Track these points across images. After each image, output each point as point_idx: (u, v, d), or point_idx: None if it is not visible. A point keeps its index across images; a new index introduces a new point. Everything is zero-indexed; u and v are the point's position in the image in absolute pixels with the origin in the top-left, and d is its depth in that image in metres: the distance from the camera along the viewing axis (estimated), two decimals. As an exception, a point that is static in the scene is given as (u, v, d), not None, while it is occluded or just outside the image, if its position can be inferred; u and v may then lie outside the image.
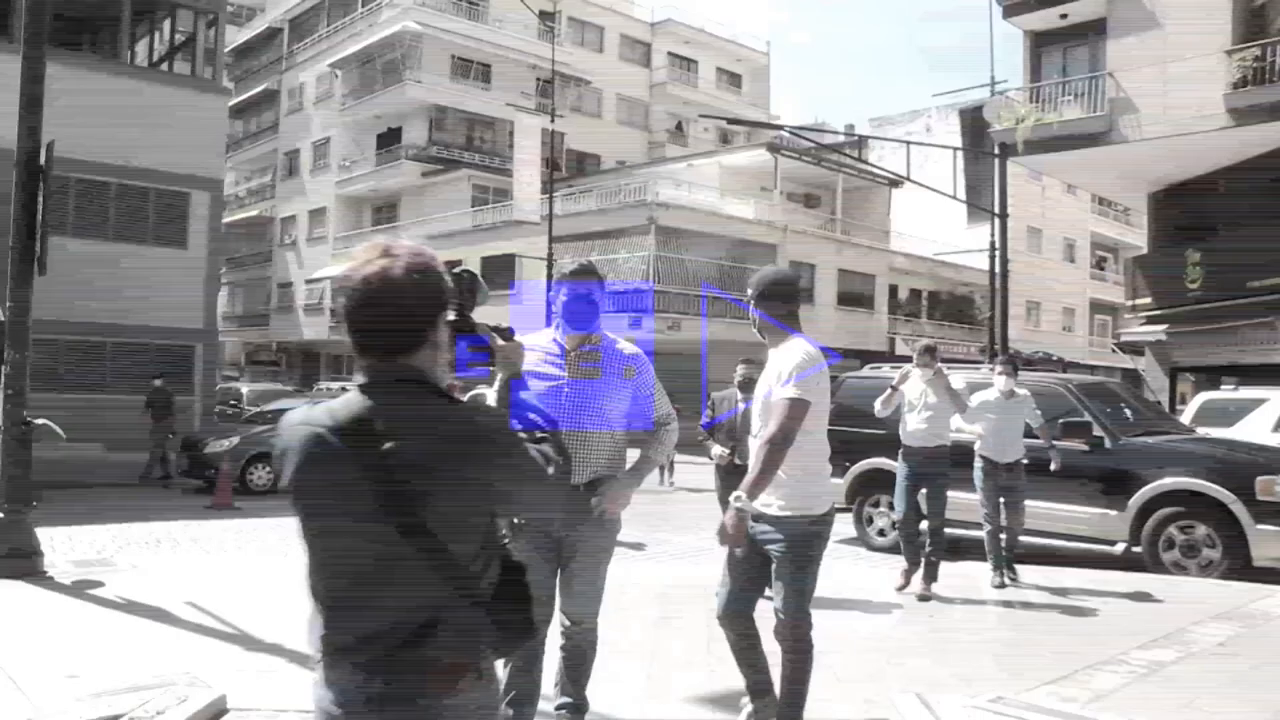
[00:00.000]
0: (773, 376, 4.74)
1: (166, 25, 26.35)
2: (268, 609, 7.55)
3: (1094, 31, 22.91)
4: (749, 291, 4.86)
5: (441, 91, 44.26)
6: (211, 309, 23.87)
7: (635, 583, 8.86)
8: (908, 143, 24.66)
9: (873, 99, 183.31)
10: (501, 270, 36.28)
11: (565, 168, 45.34)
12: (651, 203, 32.96)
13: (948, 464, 9.12)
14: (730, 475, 8.32)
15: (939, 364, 9.20)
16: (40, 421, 10.07)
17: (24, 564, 9.08)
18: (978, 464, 9.57)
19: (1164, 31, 21.25)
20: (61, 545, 10.97)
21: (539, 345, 4.45)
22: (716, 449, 9.08)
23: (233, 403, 27.65)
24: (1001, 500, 9.46)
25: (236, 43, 55.79)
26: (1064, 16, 23.30)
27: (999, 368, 9.75)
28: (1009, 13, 24.07)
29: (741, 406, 8.79)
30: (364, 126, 46.72)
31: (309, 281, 47.49)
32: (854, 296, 38.41)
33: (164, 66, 26.10)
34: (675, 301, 32.41)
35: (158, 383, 19.60)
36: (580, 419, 4.35)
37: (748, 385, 8.50)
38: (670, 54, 52.95)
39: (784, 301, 4.92)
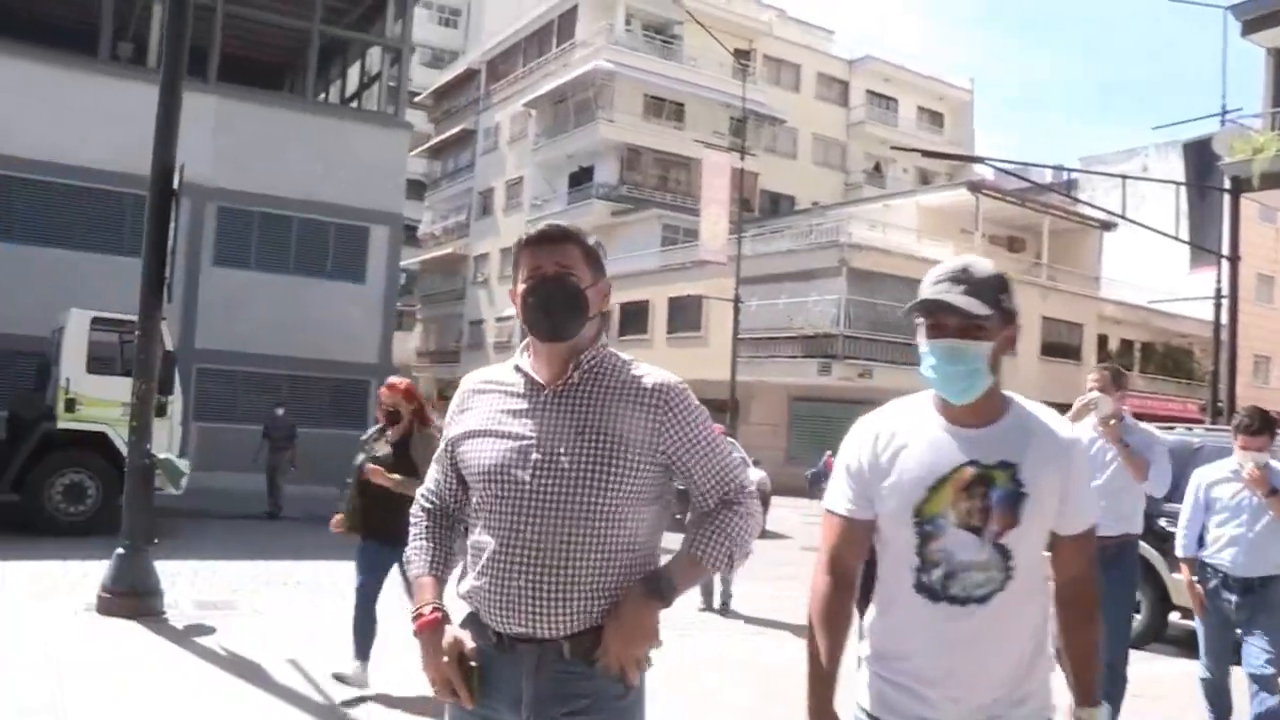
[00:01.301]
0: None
1: (358, 66, 26.69)
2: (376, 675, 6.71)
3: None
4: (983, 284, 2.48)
5: (633, 131, 43.99)
6: (387, 344, 23.66)
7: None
8: (1124, 177, 22.73)
9: (1083, 139, 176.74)
10: (687, 312, 35.49)
11: (758, 208, 44.45)
12: (844, 244, 31.75)
13: (1133, 564, 6.39)
14: None
15: (1117, 398, 6.28)
16: (164, 456, 9.59)
17: (141, 604, 8.61)
18: (1197, 578, 6.20)
19: None
20: (190, 581, 10.42)
21: (491, 380, 2.65)
22: None
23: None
24: (1242, 640, 5.93)
25: (437, 84, 57.02)
26: (1322, 28, 21.11)
27: (1241, 433, 5.97)
28: (1249, 29, 21.98)
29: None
30: (556, 166, 46.83)
31: (499, 319, 47.72)
32: (1059, 347, 36.20)
33: (354, 104, 26.37)
34: (866, 348, 31.02)
35: (279, 411, 18.52)
36: (560, 514, 2.41)
37: None
38: (869, 92, 51.62)
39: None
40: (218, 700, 6.41)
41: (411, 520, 2.72)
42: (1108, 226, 35.89)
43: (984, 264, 2.56)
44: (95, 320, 14.65)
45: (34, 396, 15.11)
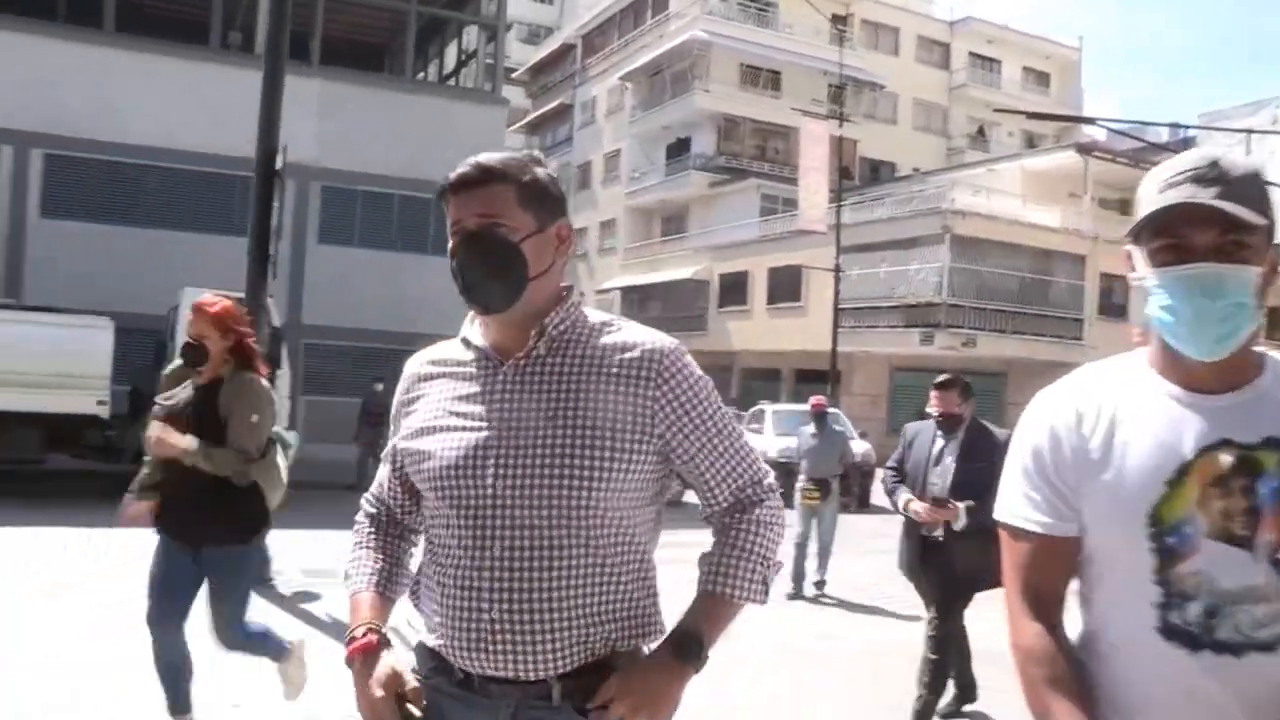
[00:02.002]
0: None
1: (455, 44, 27.07)
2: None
3: None
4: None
5: (730, 100, 43.83)
6: (487, 318, 24.07)
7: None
8: (1248, 131, 22.05)
9: (1202, 95, 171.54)
10: (787, 282, 35.35)
11: (858, 176, 44.03)
12: (946, 210, 31.23)
13: None
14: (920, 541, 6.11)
15: None
16: (278, 430, 9.86)
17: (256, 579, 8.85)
18: None
19: None
20: (296, 551, 10.75)
21: (438, 361, 2.15)
22: (906, 497, 6.12)
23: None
24: None
25: (532, 60, 57.42)
26: None
27: None
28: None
29: (936, 448, 6.15)
30: (653, 138, 46.89)
31: (599, 292, 48.07)
32: (1172, 312, 35.30)
33: (451, 82, 26.77)
34: (971, 316, 30.59)
35: (379, 387, 17.90)
36: (536, 524, 1.94)
37: (950, 424, 6.14)
38: (971, 54, 50.68)
39: None
40: (323, 663, 6.63)
41: (354, 526, 2.28)
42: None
43: (1238, 158, 1.76)
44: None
45: (154, 372, 15.65)
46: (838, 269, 28.76)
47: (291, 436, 10.62)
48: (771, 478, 2.17)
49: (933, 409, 6.17)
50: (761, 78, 44.60)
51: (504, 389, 2.00)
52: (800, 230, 33.71)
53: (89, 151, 20.58)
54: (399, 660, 2.01)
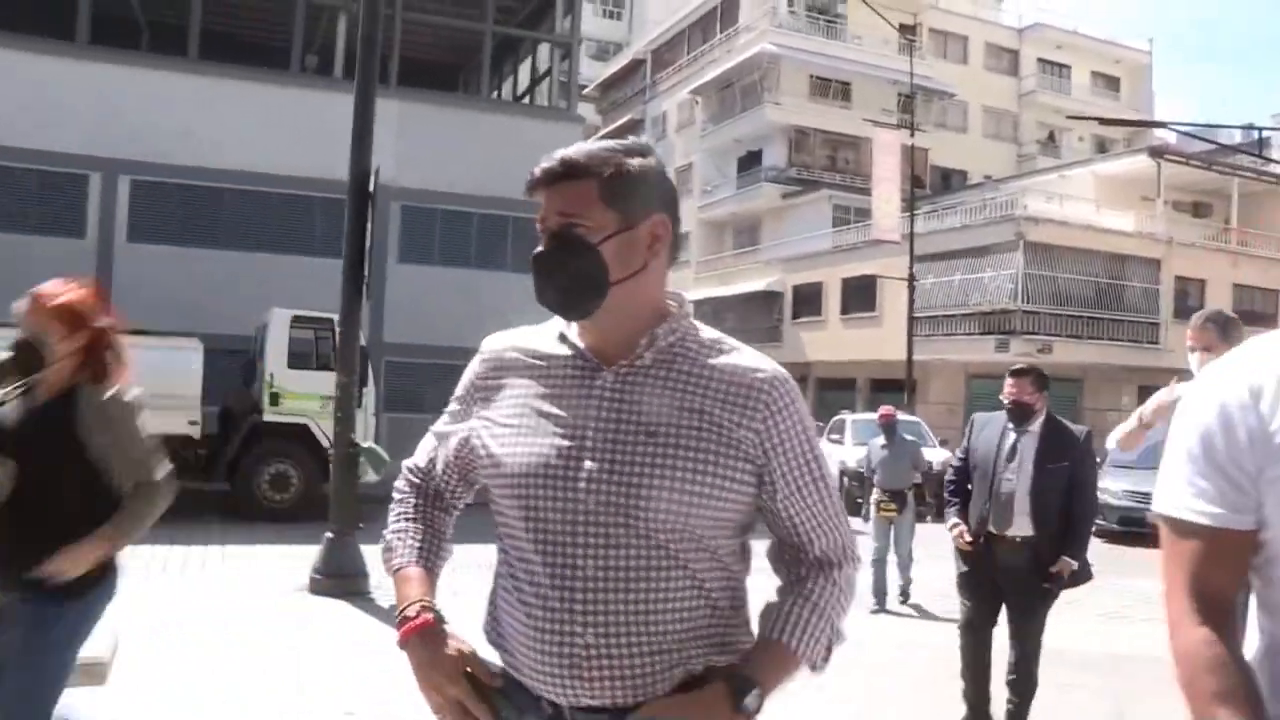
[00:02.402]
0: None
1: (527, 62, 27.48)
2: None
3: None
4: None
5: (800, 112, 43.86)
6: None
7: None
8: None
9: (1276, 95, 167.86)
10: (861, 292, 35.31)
11: (929, 185, 43.84)
12: (1019, 217, 31.02)
13: None
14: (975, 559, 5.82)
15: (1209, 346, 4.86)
16: (368, 445, 10.23)
17: (349, 584, 9.22)
18: None
19: None
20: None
21: (528, 351, 2.01)
22: (955, 525, 5.93)
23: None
24: None
25: (602, 76, 57.83)
26: None
27: None
28: None
29: (1009, 442, 5.76)
30: (724, 151, 47.02)
31: (672, 306, 48.38)
32: (1254, 315, 34.70)
33: (525, 100, 27.17)
34: (1046, 322, 30.36)
35: None
36: (631, 541, 1.81)
37: (1022, 414, 5.76)
38: (1040, 60, 50.17)
39: None
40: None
41: (394, 497, 2.15)
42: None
43: None
44: (295, 318, 15.60)
45: (243, 392, 16.11)
46: (911, 278, 28.71)
47: (384, 453, 10.99)
48: (857, 547, 2.01)
49: (1005, 397, 5.78)
50: (831, 89, 44.56)
51: (602, 396, 1.86)
52: (873, 240, 33.67)
53: (172, 177, 21.12)
54: (462, 638, 1.89)
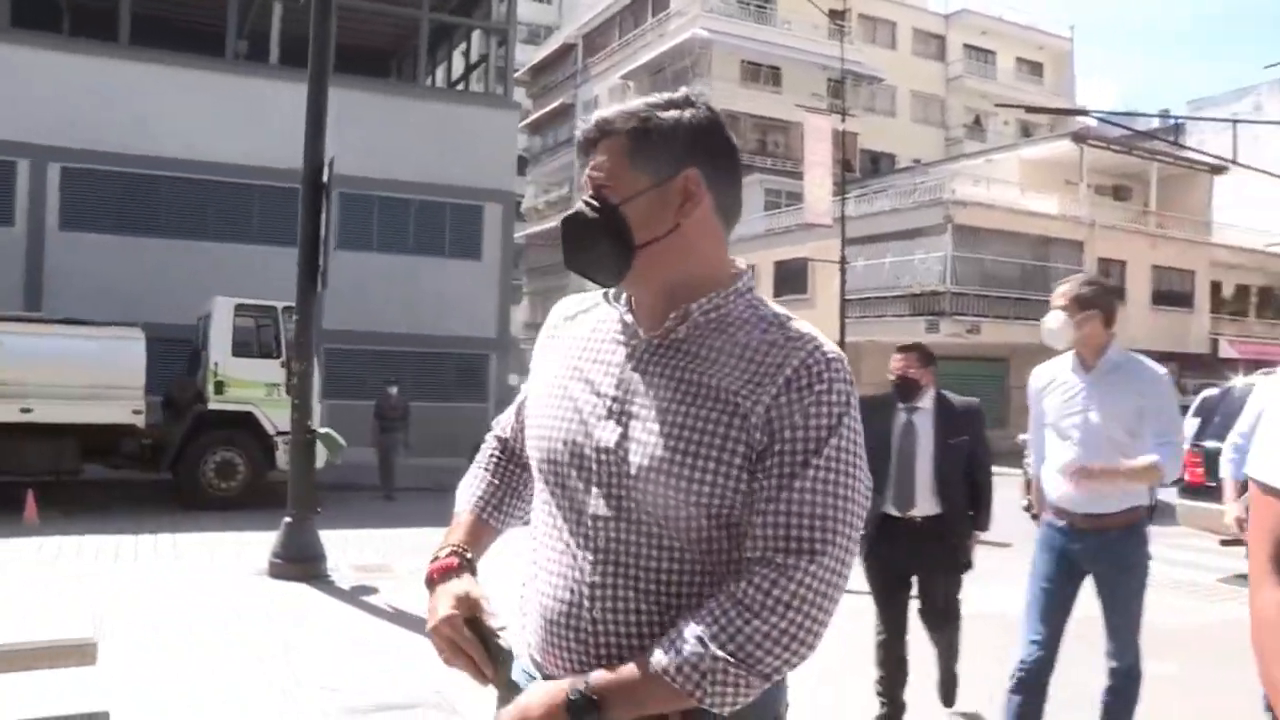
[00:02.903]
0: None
1: (461, 48, 27.53)
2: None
3: None
4: None
5: (732, 97, 44.20)
6: (505, 318, 24.53)
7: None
8: (1234, 121, 22.56)
9: (1191, 82, 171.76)
10: (793, 275, 35.79)
11: (859, 168, 44.45)
12: (947, 201, 31.70)
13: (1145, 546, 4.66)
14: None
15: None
16: (323, 430, 10.38)
17: (308, 567, 9.40)
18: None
19: None
20: (343, 548, 11.20)
21: (586, 310, 1.93)
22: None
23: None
24: None
25: (533, 61, 57.79)
26: None
27: None
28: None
29: (900, 421, 5.48)
30: (655, 136, 47.34)
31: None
32: (1170, 295, 35.72)
33: (460, 86, 27.22)
34: (974, 304, 31.08)
35: (393, 390, 17.62)
36: (645, 518, 1.69)
37: (908, 390, 5.48)
38: (966, 46, 51.14)
39: None
40: (400, 649, 7.10)
41: (482, 447, 2.10)
42: (1218, 170, 35.21)
43: None
44: (239, 307, 15.62)
45: (187, 381, 16.11)
46: (843, 260, 29.17)
47: (340, 438, 11.14)
48: (837, 549, 1.61)
49: (892, 373, 5.49)
50: (762, 74, 45.01)
51: (633, 366, 1.75)
52: (806, 224, 34.15)
53: (105, 164, 20.97)
54: (476, 585, 1.79)
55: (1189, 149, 34.41)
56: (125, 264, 20.44)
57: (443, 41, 27.20)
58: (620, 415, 1.72)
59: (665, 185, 1.74)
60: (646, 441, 1.68)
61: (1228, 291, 39.07)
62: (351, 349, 22.14)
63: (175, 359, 17.46)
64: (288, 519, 9.50)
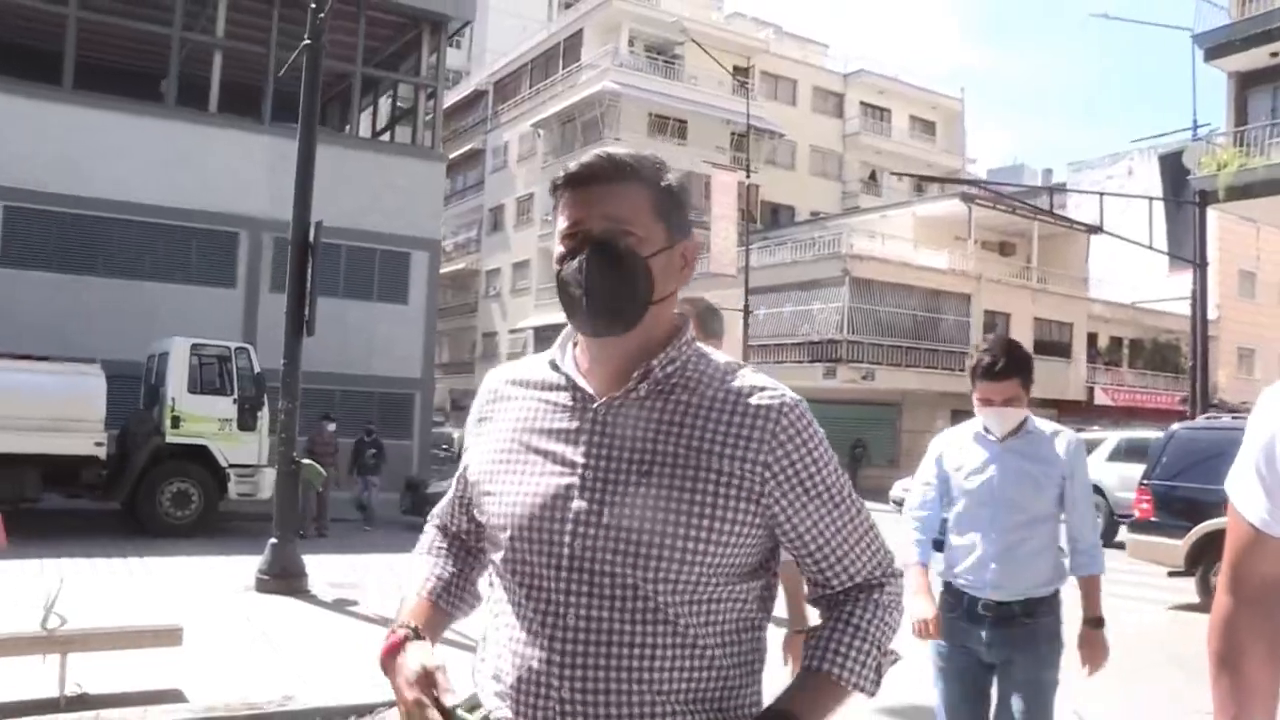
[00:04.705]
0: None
1: (387, 96, 28.68)
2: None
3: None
4: None
5: (639, 148, 45.03)
6: (430, 359, 25.68)
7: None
8: (1101, 194, 24.67)
9: (1075, 139, 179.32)
10: (687, 326, 37.26)
11: (760, 219, 46.29)
12: (845, 254, 33.57)
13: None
14: None
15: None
16: (306, 462, 11.48)
17: (293, 583, 10.52)
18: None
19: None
20: (312, 568, 12.27)
21: (523, 381, 1.86)
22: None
23: (444, 446, 29.26)
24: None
25: (444, 105, 58.86)
26: (1275, 55, 23.00)
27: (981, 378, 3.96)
28: (1211, 55, 23.95)
29: None
30: (565, 183, 48.62)
31: (513, 331, 49.55)
32: (1050, 345, 38.02)
33: (385, 136, 28.34)
34: (869, 351, 32.93)
35: (331, 427, 18.35)
36: (622, 594, 1.67)
37: None
38: (863, 104, 53.48)
39: None
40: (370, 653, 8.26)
41: (422, 537, 2.05)
42: (1094, 230, 37.76)
43: None
44: (194, 346, 16.63)
45: (144, 415, 16.98)
46: (746, 309, 30.74)
47: (322, 469, 12.24)
48: (896, 560, 1.88)
49: None
50: (669, 126, 46.68)
51: (592, 431, 1.71)
52: (711, 273, 35.80)
53: (49, 204, 21.59)
54: (429, 654, 1.71)
55: (1064, 217, 36.69)
56: (66, 301, 21.08)
57: (368, 90, 28.28)
58: (595, 486, 1.67)
59: (674, 249, 1.76)
60: (634, 507, 1.64)
61: (1103, 343, 41.68)
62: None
63: (117, 394, 18.19)
64: (273, 540, 10.61)
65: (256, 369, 16.89)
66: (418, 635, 1.78)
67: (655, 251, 1.71)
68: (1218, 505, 9.74)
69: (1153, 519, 12.23)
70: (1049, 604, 3.93)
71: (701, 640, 1.68)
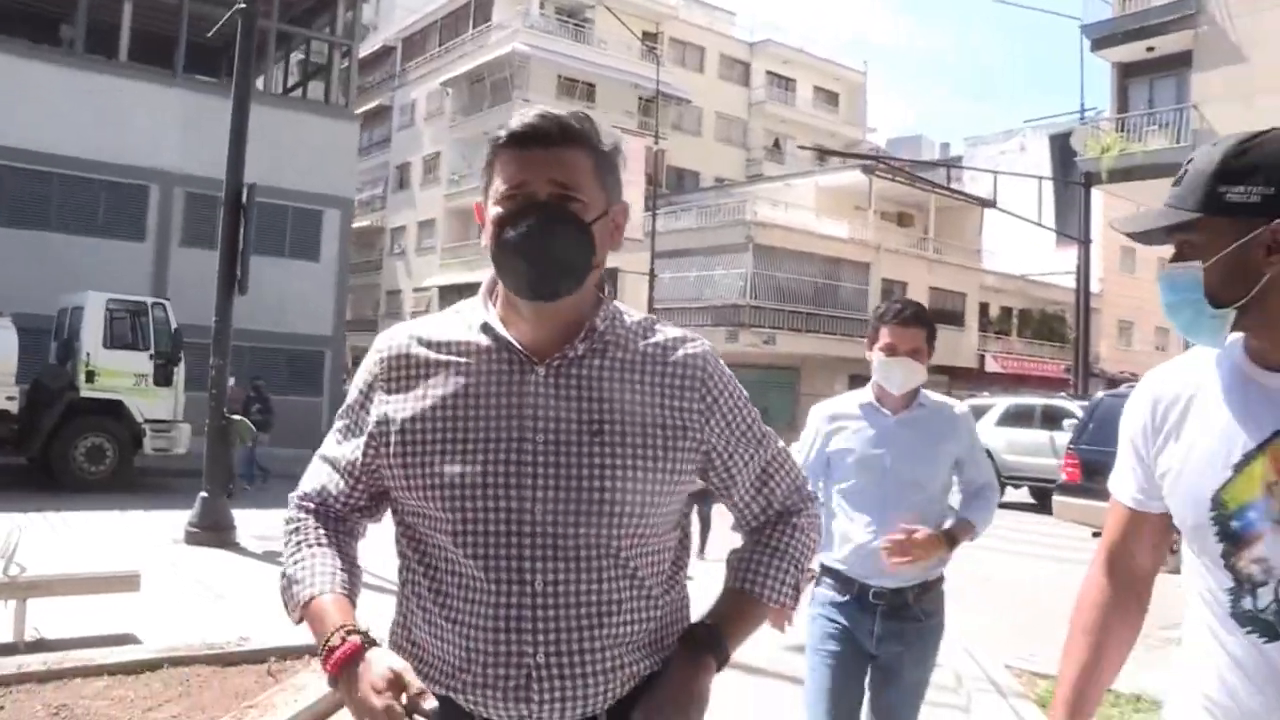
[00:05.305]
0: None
1: (299, 54, 28.54)
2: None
3: (1180, 64, 23.83)
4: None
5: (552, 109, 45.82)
6: (341, 316, 25.86)
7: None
8: (995, 172, 25.70)
9: (973, 111, 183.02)
10: (604, 285, 37.78)
11: (665, 184, 46.80)
12: (750, 222, 34.32)
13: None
14: None
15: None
16: (237, 418, 11.80)
17: (223, 535, 10.89)
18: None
19: (1250, 66, 22.09)
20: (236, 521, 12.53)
21: (444, 343, 1.81)
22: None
23: (346, 405, 29.47)
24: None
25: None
26: (1151, 50, 24.25)
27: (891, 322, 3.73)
28: (1097, 46, 25.07)
29: None
30: (472, 142, 48.45)
31: (417, 290, 49.53)
32: (945, 314, 39.12)
33: (297, 93, 28.23)
34: (771, 316, 33.75)
35: (232, 382, 16.96)
36: (582, 551, 1.72)
37: None
38: (769, 73, 54.25)
39: None
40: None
41: (288, 526, 1.90)
42: (987, 204, 39.05)
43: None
44: (110, 301, 16.66)
45: (57, 369, 16.98)
46: (652, 273, 31.29)
47: (251, 424, 12.53)
48: (809, 484, 2.04)
49: None
50: (578, 89, 46.85)
51: (538, 393, 1.73)
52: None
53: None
54: (395, 659, 1.64)
55: (958, 191, 37.84)
56: (-34, 252, 20.80)
57: (280, 44, 28.12)
58: (549, 449, 1.69)
59: (611, 212, 1.78)
60: (592, 467, 1.69)
61: (994, 313, 43.15)
62: (195, 343, 22.98)
63: (23, 348, 18.04)
64: (203, 494, 10.93)
65: (174, 324, 16.94)
66: (371, 640, 1.68)
67: (597, 217, 1.73)
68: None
69: (1079, 483, 12.65)
70: (938, 595, 3.75)
71: (652, 587, 1.78)
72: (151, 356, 16.72)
